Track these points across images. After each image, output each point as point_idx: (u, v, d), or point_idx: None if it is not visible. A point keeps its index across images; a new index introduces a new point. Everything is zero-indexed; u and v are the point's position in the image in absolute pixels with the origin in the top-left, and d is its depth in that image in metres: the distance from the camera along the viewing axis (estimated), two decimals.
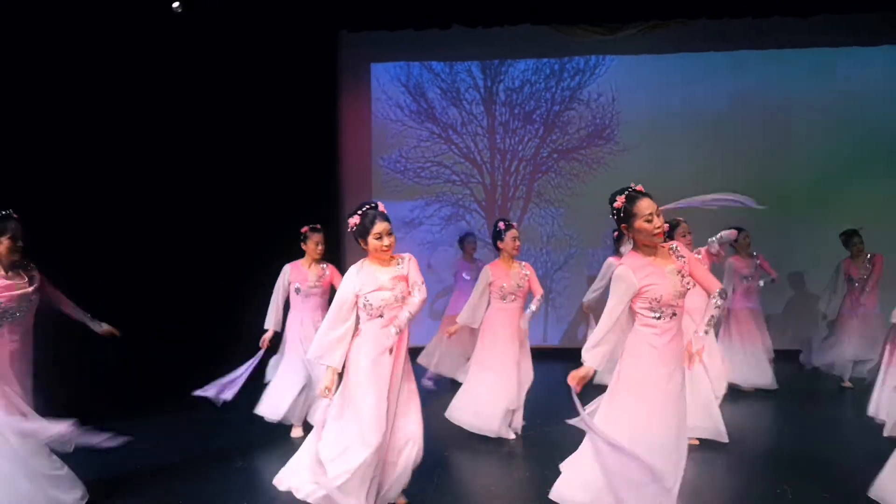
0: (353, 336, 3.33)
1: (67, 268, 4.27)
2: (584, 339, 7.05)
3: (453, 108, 8.27)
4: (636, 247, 3.07)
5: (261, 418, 4.92)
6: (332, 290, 5.04)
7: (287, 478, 3.35)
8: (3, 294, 3.44)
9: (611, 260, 5.75)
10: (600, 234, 7.66)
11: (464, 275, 6.71)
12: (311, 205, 7.68)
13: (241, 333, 6.98)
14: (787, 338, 7.45)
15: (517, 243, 4.86)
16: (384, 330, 3.27)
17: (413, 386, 3.45)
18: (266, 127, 7.55)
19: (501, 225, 4.91)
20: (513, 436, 4.82)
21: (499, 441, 4.75)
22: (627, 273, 2.95)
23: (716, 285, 3.13)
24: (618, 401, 3.04)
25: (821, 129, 7.80)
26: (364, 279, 3.29)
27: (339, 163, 8.18)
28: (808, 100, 7.83)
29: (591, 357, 3.00)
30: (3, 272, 3.51)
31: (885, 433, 4.30)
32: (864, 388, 6.14)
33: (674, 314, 2.99)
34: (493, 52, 8.09)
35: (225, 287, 7.07)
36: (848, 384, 6.27)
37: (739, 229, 6.17)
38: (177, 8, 6.36)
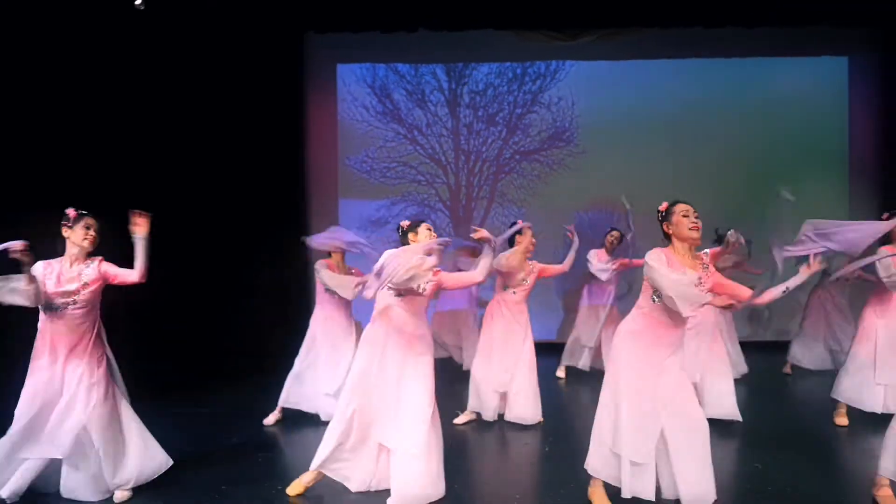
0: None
1: None
2: (557, 333, 7.43)
3: (418, 110, 8.46)
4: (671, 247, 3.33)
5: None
6: None
7: None
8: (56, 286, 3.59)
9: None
10: (561, 233, 7.94)
11: (461, 268, 6.86)
12: (279, 204, 7.79)
13: (212, 327, 7.08)
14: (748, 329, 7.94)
15: (533, 240, 5.18)
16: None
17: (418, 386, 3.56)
18: (233, 126, 7.59)
19: (521, 222, 5.21)
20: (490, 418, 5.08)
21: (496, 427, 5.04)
22: (660, 253, 3.22)
23: (746, 292, 3.31)
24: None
25: (763, 133, 8.28)
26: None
27: (305, 162, 8.24)
28: (752, 105, 8.29)
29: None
30: (69, 264, 3.67)
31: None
32: (804, 373, 6.64)
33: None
34: (458, 55, 8.31)
35: (191, 283, 7.11)
36: (788, 370, 6.71)
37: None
38: (139, 5, 6.35)
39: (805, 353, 6.62)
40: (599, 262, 6.32)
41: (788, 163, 8.28)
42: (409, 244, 3.67)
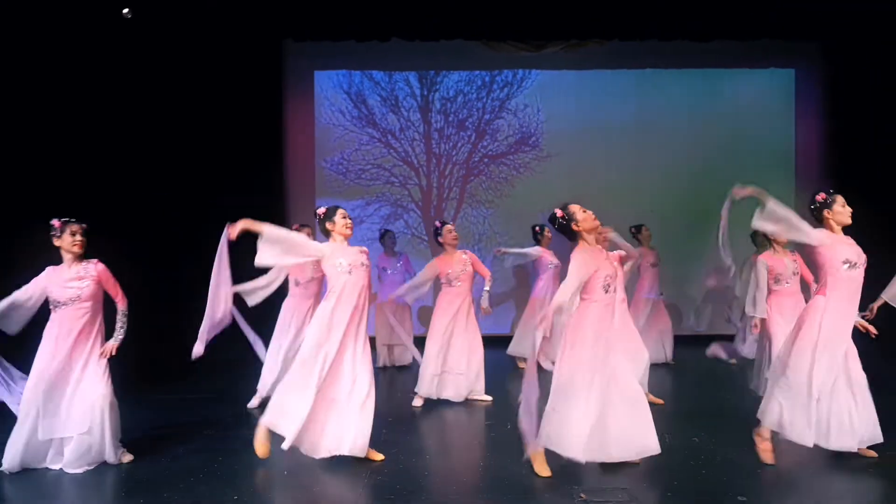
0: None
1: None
2: (513, 326, 7.86)
3: (392, 115, 8.85)
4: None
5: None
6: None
7: None
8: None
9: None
10: (527, 232, 8.40)
11: (388, 270, 7.33)
12: (258, 204, 8.04)
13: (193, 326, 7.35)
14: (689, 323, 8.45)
15: (453, 234, 5.72)
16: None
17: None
18: (215, 130, 7.87)
19: (438, 223, 5.80)
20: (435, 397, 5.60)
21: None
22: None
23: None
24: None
25: (717, 138, 8.83)
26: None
27: (284, 164, 8.57)
28: (708, 113, 8.86)
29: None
30: (66, 266, 4.13)
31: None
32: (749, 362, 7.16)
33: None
34: (430, 63, 8.72)
35: (175, 287, 7.39)
36: (733, 361, 7.21)
37: (640, 226, 7.19)
38: (126, 13, 6.63)
39: (740, 345, 7.17)
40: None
41: (741, 166, 8.81)
42: (327, 231, 4.21)
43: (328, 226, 4.22)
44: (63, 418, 4.02)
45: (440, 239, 5.73)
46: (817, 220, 4.11)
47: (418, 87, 8.87)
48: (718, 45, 8.26)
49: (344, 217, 4.22)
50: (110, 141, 7.09)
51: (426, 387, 5.56)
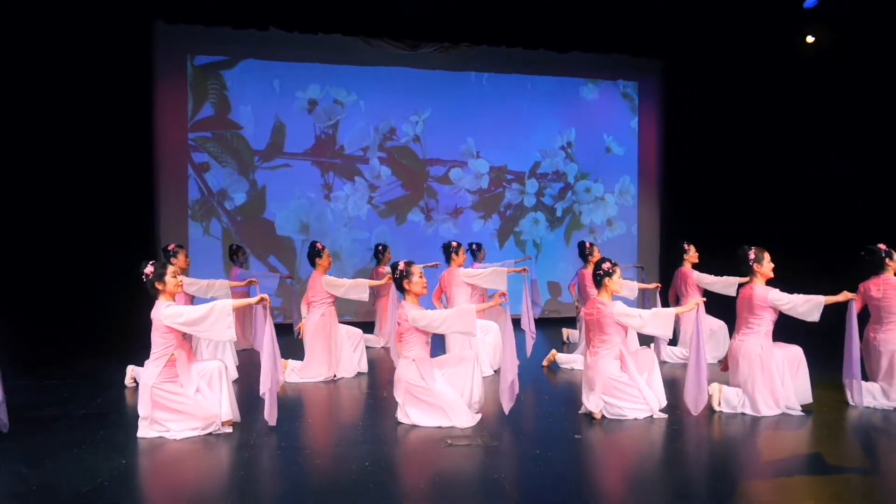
0: None
1: None
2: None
3: (267, 103, 8.86)
4: None
5: None
6: None
7: None
8: None
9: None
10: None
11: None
12: (125, 190, 7.80)
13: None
14: None
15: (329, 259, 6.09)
16: None
17: None
18: (78, 110, 7.51)
19: (319, 245, 6.04)
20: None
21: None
22: None
23: None
24: None
25: (567, 142, 9.80)
26: None
27: (154, 151, 8.31)
28: (564, 116, 9.79)
29: None
30: None
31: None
32: None
33: None
34: (308, 56, 8.86)
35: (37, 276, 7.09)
36: None
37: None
38: None
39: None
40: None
41: (592, 166, 9.85)
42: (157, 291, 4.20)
43: (158, 286, 4.15)
44: None
45: (318, 261, 5.99)
46: (598, 285, 4.63)
47: (295, 76, 8.94)
48: (575, 56, 9.19)
49: (174, 276, 4.17)
50: None
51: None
